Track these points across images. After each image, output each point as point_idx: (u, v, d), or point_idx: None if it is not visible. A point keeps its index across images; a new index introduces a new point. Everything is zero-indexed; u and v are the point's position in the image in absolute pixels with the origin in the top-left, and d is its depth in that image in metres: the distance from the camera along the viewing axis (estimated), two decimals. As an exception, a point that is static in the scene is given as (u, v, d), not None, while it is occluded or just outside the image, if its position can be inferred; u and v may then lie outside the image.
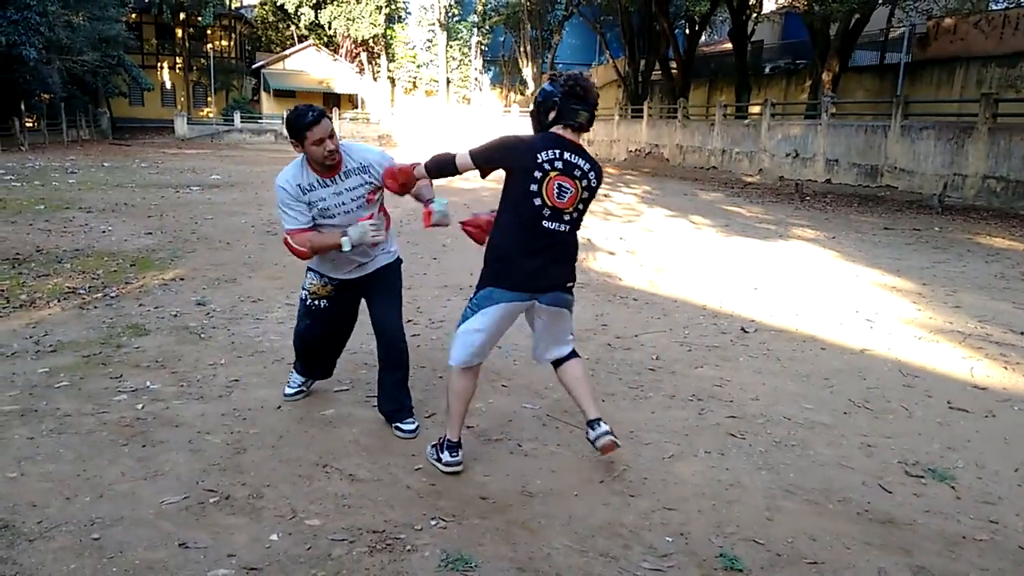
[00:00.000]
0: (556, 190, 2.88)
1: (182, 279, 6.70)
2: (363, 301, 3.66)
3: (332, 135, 3.21)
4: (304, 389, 3.95)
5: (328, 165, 3.26)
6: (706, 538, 2.70)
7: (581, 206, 2.99)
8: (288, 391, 3.93)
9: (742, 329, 5.49)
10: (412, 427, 3.52)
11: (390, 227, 3.65)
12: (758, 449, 3.47)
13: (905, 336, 5.40)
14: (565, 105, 2.91)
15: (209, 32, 50.15)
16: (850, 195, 16.36)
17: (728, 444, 3.52)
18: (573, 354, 3.28)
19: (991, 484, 3.16)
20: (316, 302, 3.60)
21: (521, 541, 2.65)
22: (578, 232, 3.07)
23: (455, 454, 3.13)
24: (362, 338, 5.01)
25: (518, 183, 2.91)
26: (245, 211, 11.56)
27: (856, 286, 7.11)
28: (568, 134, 2.95)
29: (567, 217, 2.95)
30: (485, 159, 2.98)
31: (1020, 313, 6.10)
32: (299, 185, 3.29)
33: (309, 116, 3.17)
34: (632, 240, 9.57)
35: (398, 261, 3.73)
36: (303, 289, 3.65)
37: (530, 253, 2.93)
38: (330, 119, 3.37)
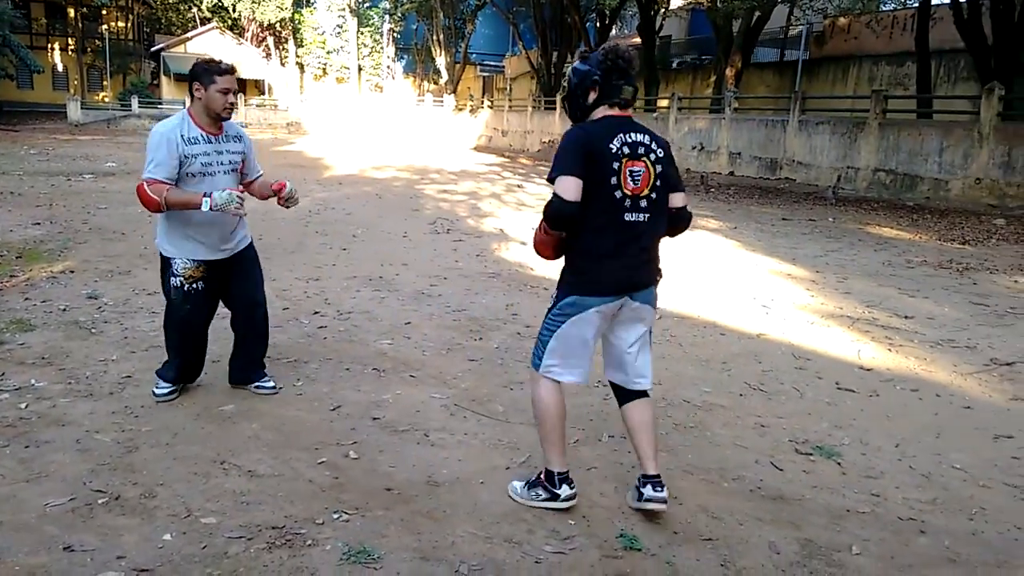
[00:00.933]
0: (628, 177, 2.63)
1: (72, 271, 6.34)
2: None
3: (236, 92, 3.45)
4: (176, 389, 3.75)
5: (219, 119, 3.42)
6: (608, 520, 2.76)
7: (660, 184, 2.70)
8: (159, 391, 3.67)
9: (647, 316, 5.63)
10: (273, 383, 3.84)
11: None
12: (660, 432, 3.56)
13: (799, 321, 5.67)
14: (607, 83, 2.66)
15: (104, 12, 47.35)
16: (752, 187, 17.01)
17: (631, 428, 3.61)
18: (645, 394, 2.89)
19: (874, 459, 3.35)
20: (193, 285, 3.53)
21: (426, 531, 2.64)
22: (663, 220, 2.77)
23: (571, 485, 2.80)
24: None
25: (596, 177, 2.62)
26: (143, 200, 11.03)
27: (755, 274, 7.40)
28: (616, 112, 2.69)
29: (644, 204, 2.69)
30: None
31: (905, 298, 6.50)
32: (183, 135, 3.34)
33: (223, 64, 3.38)
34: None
35: (252, 243, 3.83)
36: (174, 277, 3.51)
37: (616, 252, 2.68)
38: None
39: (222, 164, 3.47)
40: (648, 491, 2.73)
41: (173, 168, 3.32)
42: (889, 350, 4.99)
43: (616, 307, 2.74)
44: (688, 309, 5.89)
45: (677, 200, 2.79)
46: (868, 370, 4.59)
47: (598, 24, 29.36)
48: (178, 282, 3.51)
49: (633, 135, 2.66)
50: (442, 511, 2.78)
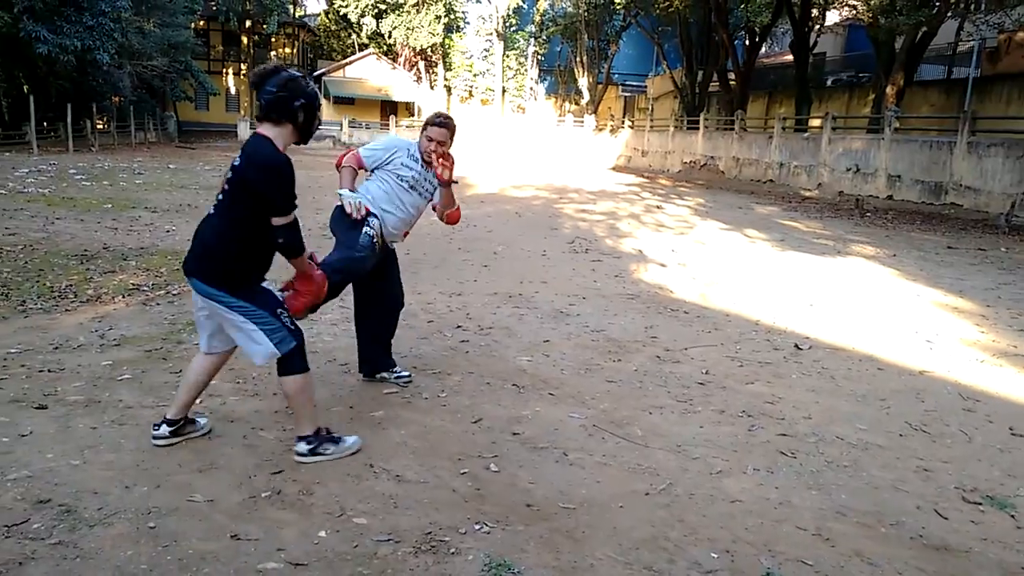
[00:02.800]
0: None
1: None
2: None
3: (445, 143, 3.96)
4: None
5: (425, 160, 4.02)
6: (753, 556, 2.66)
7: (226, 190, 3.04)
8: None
9: (796, 346, 5.39)
10: (409, 373, 4.30)
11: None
12: (809, 468, 3.40)
13: (967, 359, 5.23)
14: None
15: (273, 40, 51.45)
16: (912, 212, 15.91)
17: (778, 462, 3.46)
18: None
19: (1055, 515, 3.03)
20: (376, 242, 3.82)
21: (564, 550, 2.65)
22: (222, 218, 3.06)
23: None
24: (410, 342, 5.08)
25: None
26: (300, 215, 11.77)
27: (916, 306, 6.91)
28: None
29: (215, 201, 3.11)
30: None
31: (1092, 339, 5.85)
32: (409, 151, 4.04)
33: (439, 119, 4.01)
34: (684, 252, 9.48)
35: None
36: (370, 228, 3.80)
37: None
38: (452, 130, 4.06)
39: (425, 189, 4.08)
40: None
41: (375, 162, 4.01)
42: (1075, 396, 4.50)
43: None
44: (841, 340, 5.58)
45: (276, 221, 3.03)
46: (1050, 417, 4.16)
47: (747, 41, 28.57)
48: (372, 234, 3.79)
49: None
50: (581, 532, 2.78)
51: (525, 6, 46.48)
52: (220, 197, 3.07)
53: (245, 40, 51.99)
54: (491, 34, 47.51)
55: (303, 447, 3.23)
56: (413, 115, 47.41)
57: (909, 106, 21.71)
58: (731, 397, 4.31)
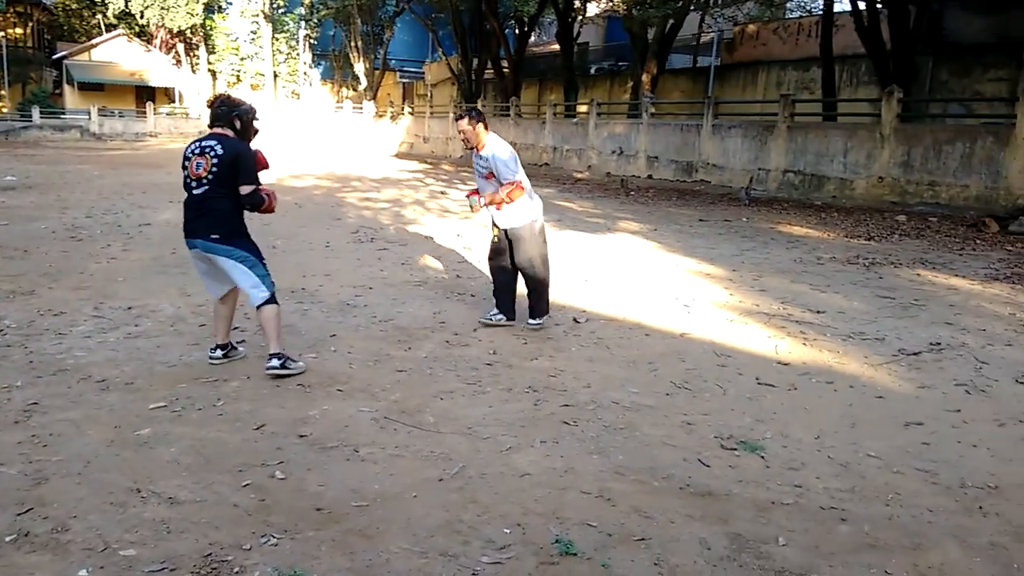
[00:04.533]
0: (194, 167, 4.14)
1: (-33, 293, 5.96)
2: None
3: (463, 131, 5.06)
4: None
5: (468, 144, 5.19)
6: (543, 526, 2.76)
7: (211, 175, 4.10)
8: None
9: (574, 320, 5.69)
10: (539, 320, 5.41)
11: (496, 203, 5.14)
12: (590, 435, 3.60)
13: (719, 319, 5.83)
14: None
15: (0, 19, 44.83)
16: (670, 189, 17.43)
17: (562, 432, 3.63)
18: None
19: (795, 452, 3.47)
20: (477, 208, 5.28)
21: (359, 549, 2.58)
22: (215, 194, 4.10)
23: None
24: (179, 349, 4.71)
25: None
26: (46, 215, 10.46)
27: (675, 274, 7.58)
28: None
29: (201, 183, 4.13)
30: None
31: (817, 294, 6.77)
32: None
33: (457, 114, 5.01)
34: (469, 237, 9.64)
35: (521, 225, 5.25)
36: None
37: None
38: (472, 117, 5.05)
39: (477, 171, 5.26)
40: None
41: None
42: (804, 344, 5.18)
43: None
44: (614, 311, 5.98)
45: (244, 189, 4.15)
46: (786, 365, 4.76)
47: (517, 31, 29.57)
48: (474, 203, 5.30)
49: (203, 142, 4.20)
50: (375, 528, 2.72)
51: (293, -13, 44.58)
52: (208, 178, 4.08)
53: (-39, 17, 44.81)
54: (257, 15, 44.97)
55: (275, 362, 4.23)
56: (174, 101, 43.80)
57: (662, 92, 23.71)
58: (517, 375, 4.45)
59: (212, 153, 4.10)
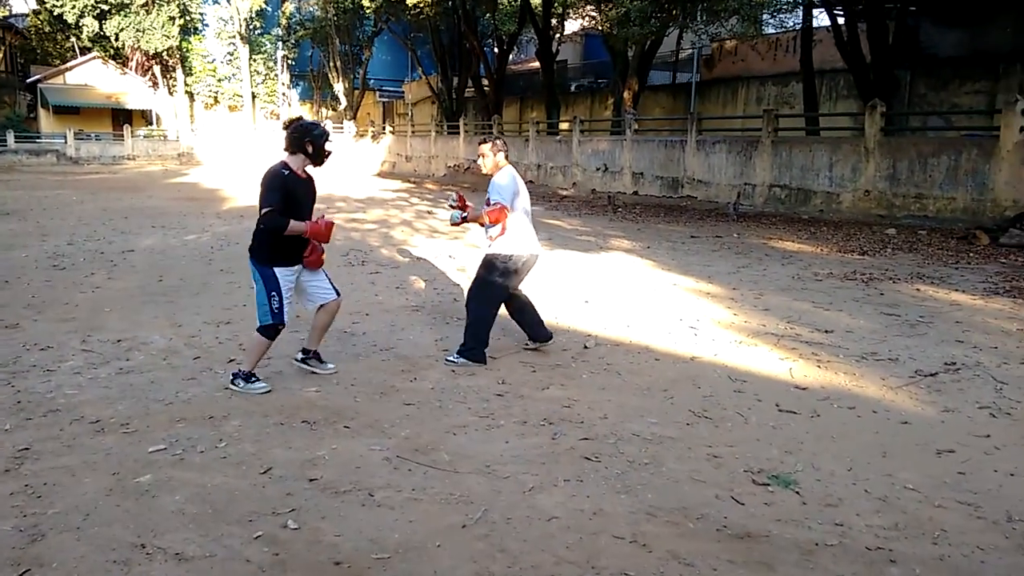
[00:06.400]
0: None
1: (-55, 329, 5.70)
2: None
3: (482, 154, 5.07)
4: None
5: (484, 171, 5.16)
6: (578, 576, 2.60)
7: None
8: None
9: (584, 345, 5.53)
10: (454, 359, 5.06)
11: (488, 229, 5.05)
12: (614, 472, 3.44)
13: (726, 341, 5.71)
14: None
15: (-30, 42, 44.21)
16: (656, 205, 17.40)
17: (585, 469, 3.47)
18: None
19: (830, 485, 3.33)
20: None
21: (385, 608, 2.40)
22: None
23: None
24: (174, 384, 4.52)
25: None
26: (25, 243, 10.15)
27: (675, 294, 7.46)
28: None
29: None
30: None
31: (821, 312, 6.68)
32: None
33: (483, 137, 5.27)
34: (461, 257, 9.49)
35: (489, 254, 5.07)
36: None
37: None
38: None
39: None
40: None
41: None
42: (818, 367, 5.07)
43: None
44: (619, 334, 5.84)
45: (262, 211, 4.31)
46: (803, 389, 4.63)
47: (496, 49, 29.62)
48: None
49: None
50: (400, 583, 2.55)
51: (269, 8, 44.33)
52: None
53: (-68, 41, 44.16)
54: (234, 37, 44.70)
55: (240, 381, 4.40)
56: (151, 123, 43.34)
57: (644, 109, 23.82)
58: (530, 406, 4.28)
59: None
